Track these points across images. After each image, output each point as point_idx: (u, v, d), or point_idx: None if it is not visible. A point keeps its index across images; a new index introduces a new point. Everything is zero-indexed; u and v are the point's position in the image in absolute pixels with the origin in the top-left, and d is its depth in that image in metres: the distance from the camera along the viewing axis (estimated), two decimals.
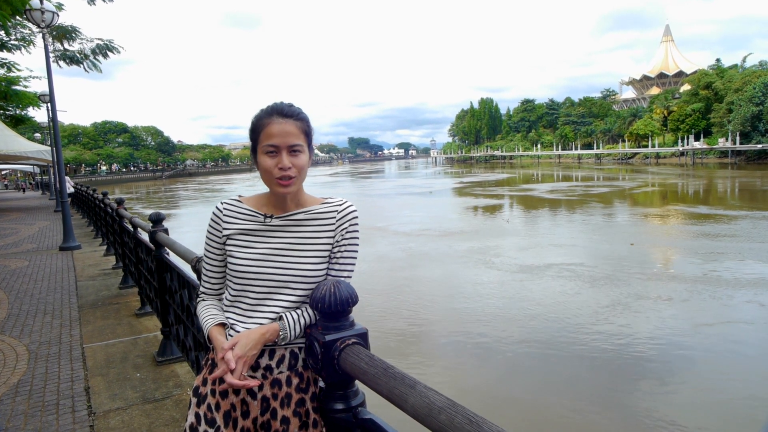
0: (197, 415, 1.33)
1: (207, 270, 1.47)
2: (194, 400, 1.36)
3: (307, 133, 1.38)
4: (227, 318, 1.39)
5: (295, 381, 1.35)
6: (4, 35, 16.83)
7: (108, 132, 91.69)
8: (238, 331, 1.33)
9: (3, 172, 63.54)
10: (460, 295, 8.62)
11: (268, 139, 1.32)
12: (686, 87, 73.77)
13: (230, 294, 1.39)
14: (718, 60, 70.42)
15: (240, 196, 1.45)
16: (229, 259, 1.37)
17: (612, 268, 10.10)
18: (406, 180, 51.52)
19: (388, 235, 14.95)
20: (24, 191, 43.63)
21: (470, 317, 7.50)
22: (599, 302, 7.97)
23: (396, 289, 9.15)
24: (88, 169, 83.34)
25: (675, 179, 36.22)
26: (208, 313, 1.42)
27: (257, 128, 1.36)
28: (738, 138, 52.46)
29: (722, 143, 55.24)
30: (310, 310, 1.35)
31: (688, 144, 59.79)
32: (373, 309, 7.92)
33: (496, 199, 26.26)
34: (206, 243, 1.45)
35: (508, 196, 28.06)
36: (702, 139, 59.94)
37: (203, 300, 1.49)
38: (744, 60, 64.23)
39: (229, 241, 1.38)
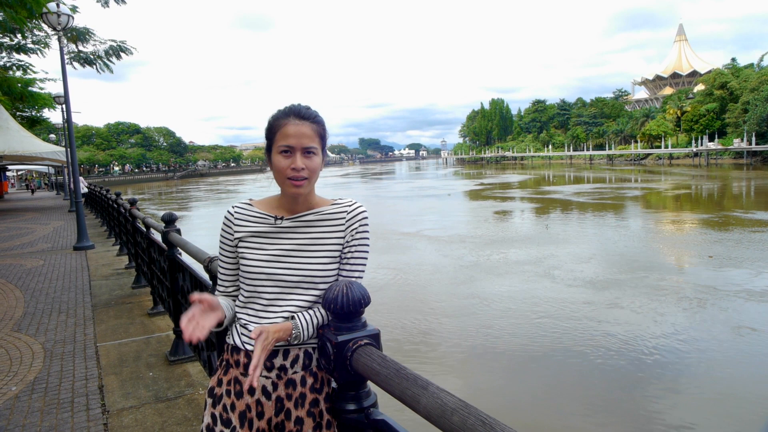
0: (213, 416, 1.35)
1: (222, 272, 1.50)
2: (209, 401, 1.38)
3: (322, 137, 1.39)
4: (240, 318, 1.40)
5: (309, 381, 1.36)
6: (21, 38, 17.10)
7: (121, 133, 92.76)
8: (251, 330, 1.35)
9: (19, 173, 64.40)
10: (538, 316, 7.35)
11: (283, 139, 1.34)
12: (700, 87, 72.93)
13: (243, 295, 1.41)
14: (733, 59, 69.46)
15: (251, 199, 1.48)
16: (242, 261, 1.39)
17: (701, 285, 8.66)
18: (420, 181, 49.96)
19: (426, 242, 13.91)
20: (33, 192, 41.86)
21: (580, 354, 6.05)
22: (724, 332, 6.56)
23: (471, 308, 7.85)
24: (101, 169, 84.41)
25: (704, 181, 34.60)
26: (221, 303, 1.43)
27: (273, 128, 1.37)
28: (753, 138, 51.71)
29: (737, 144, 54.49)
30: (322, 311, 1.36)
31: (702, 145, 59.06)
32: (467, 337, 6.71)
33: (523, 202, 24.69)
34: (220, 246, 1.48)
35: (534, 199, 26.07)
36: (716, 139, 59.16)
37: (217, 298, 1.50)
38: (761, 59, 63.13)
39: (241, 244, 1.40)
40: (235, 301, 1.48)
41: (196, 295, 1.31)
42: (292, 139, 1.33)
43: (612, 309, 7.65)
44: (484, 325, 7.17)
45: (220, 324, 1.38)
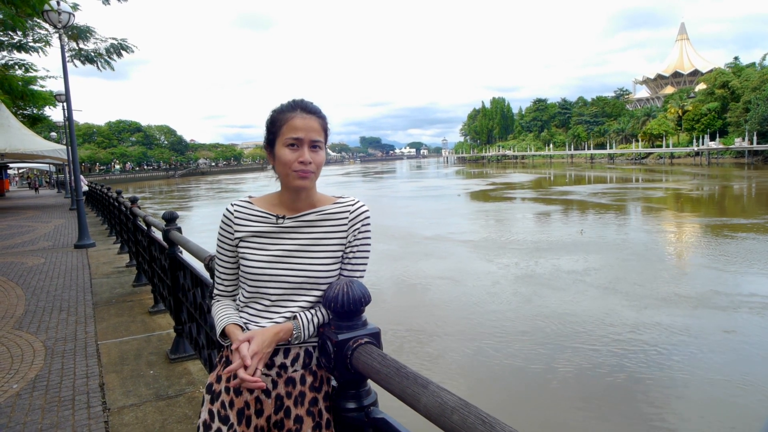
0: (210, 412, 1.34)
1: (220, 272, 1.47)
2: (207, 397, 1.37)
3: (326, 132, 1.39)
4: (241, 317, 1.39)
5: (309, 379, 1.36)
6: (22, 36, 17.11)
7: (122, 131, 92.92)
8: (253, 329, 1.34)
9: (21, 171, 64.43)
10: (641, 351, 5.96)
11: (291, 132, 1.33)
12: (701, 86, 72.86)
13: (244, 296, 1.39)
14: (736, 58, 69.24)
15: (250, 196, 1.44)
16: (243, 262, 1.37)
17: None
18: (426, 181, 48.45)
19: (462, 247, 12.88)
20: (37, 190, 40.83)
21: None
22: None
23: (552, 333, 6.67)
24: (102, 167, 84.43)
25: (718, 181, 33.53)
26: (224, 313, 1.41)
27: (278, 121, 1.36)
28: (755, 138, 51.63)
29: (739, 143, 54.41)
30: (323, 310, 1.36)
31: (703, 144, 58.98)
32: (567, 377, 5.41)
33: (543, 204, 22.95)
34: (218, 245, 1.44)
35: (552, 200, 24.47)
36: (717, 139, 59.08)
37: (218, 301, 1.49)
38: (763, 58, 62.95)
39: (241, 244, 1.38)
40: (235, 300, 1.48)
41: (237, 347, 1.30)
42: (301, 132, 1.32)
43: (734, 343, 6.14)
44: (579, 359, 5.86)
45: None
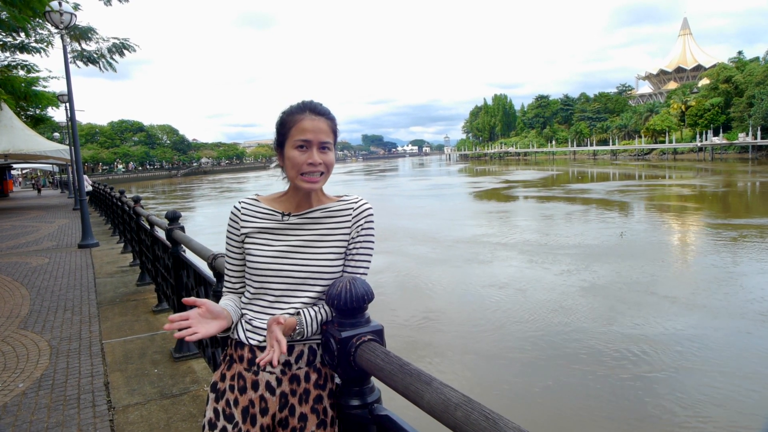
0: (216, 411, 1.35)
1: (228, 269, 1.49)
2: (212, 396, 1.38)
3: (335, 133, 1.40)
4: (245, 313, 1.40)
5: (313, 377, 1.36)
6: (24, 37, 17.15)
7: (125, 131, 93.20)
8: (257, 326, 1.36)
9: (24, 171, 64.63)
10: None
11: (300, 134, 1.34)
12: (705, 81, 72.46)
13: (250, 291, 1.41)
14: (740, 53, 69.04)
15: (257, 194, 1.47)
16: (248, 257, 1.39)
17: None
18: (434, 179, 47.01)
19: (502, 251, 11.94)
20: (40, 191, 39.72)
21: None
22: None
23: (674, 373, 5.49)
24: (105, 167, 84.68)
25: (732, 176, 32.37)
26: (223, 305, 1.42)
27: (287, 123, 1.37)
28: (759, 133, 51.40)
29: (742, 138, 54.18)
30: (326, 307, 1.36)
31: (706, 139, 58.74)
32: None
33: (564, 203, 21.68)
34: (227, 242, 1.47)
35: (572, 199, 23.19)
36: (721, 134, 58.85)
37: (224, 296, 1.51)
38: (767, 53, 62.71)
39: (247, 240, 1.40)
40: (241, 297, 1.49)
41: (191, 300, 1.29)
42: (310, 134, 1.33)
43: None
44: (722, 412, 4.74)
45: (226, 330, 1.37)
